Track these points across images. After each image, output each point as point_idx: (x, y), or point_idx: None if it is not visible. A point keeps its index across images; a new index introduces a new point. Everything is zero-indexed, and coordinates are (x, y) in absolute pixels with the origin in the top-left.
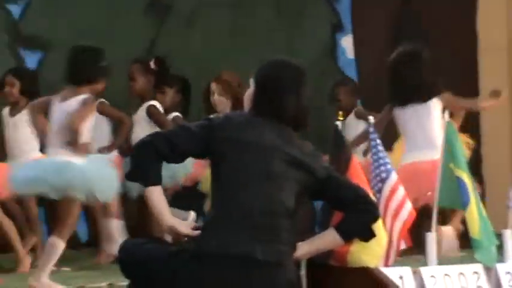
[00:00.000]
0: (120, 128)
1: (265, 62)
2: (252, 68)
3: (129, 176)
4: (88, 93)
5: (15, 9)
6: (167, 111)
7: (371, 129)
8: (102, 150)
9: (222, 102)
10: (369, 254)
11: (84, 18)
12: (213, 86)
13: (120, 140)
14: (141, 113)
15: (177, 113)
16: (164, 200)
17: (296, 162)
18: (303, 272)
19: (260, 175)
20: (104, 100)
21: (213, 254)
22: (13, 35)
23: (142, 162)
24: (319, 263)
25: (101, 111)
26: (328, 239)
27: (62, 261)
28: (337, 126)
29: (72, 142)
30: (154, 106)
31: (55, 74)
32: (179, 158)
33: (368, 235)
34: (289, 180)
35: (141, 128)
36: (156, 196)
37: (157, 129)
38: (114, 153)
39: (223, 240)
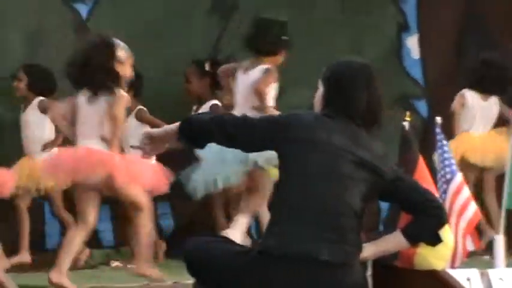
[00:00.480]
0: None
1: (334, 62)
2: (317, 68)
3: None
4: (270, 64)
5: (82, 9)
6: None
7: (438, 130)
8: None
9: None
10: (437, 256)
11: (149, 18)
12: None
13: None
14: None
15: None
16: None
17: (364, 164)
18: (369, 272)
19: (327, 175)
20: (142, 107)
21: (279, 254)
22: (80, 34)
23: (196, 133)
24: (385, 264)
25: (140, 119)
26: (394, 241)
27: (128, 258)
28: (404, 126)
29: (261, 107)
30: (216, 105)
31: None
32: (226, 145)
33: (435, 240)
34: (357, 181)
35: None
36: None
37: None
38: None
39: (289, 240)
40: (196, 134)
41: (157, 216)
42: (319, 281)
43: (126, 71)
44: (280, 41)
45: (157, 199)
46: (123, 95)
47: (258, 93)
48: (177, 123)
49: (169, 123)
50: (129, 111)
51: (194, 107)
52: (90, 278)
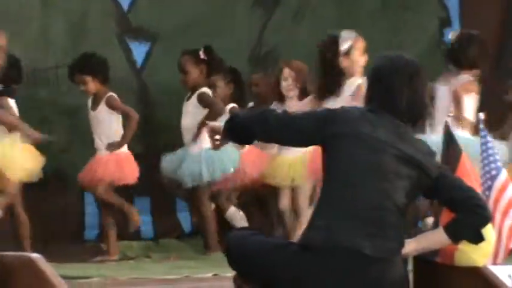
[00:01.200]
0: (128, 123)
1: (379, 56)
2: None
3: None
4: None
5: (124, 1)
6: (224, 103)
7: (481, 125)
8: (110, 147)
9: (294, 88)
10: (478, 252)
11: (192, 10)
12: (286, 72)
13: (129, 136)
14: (192, 101)
15: (233, 104)
16: None
17: (409, 160)
18: (410, 268)
19: (371, 171)
20: (112, 94)
21: (320, 248)
22: (122, 27)
23: (239, 130)
24: (426, 260)
25: (110, 106)
26: (436, 238)
27: (168, 251)
28: (447, 123)
29: (457, 116)
30: (204, 92)
31: (161, 65)
32: (268, 140)
33: (477, 238)
34: (401, 177)
35: (192, 116)
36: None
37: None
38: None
39: (331, 234)
40: (240, 130)
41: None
42: (361, 275)
43: None
44: (480, 55)
45: None
46: None
47: (456, 100)
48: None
49: None
50: (98, 98)
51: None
52: (130, 269)
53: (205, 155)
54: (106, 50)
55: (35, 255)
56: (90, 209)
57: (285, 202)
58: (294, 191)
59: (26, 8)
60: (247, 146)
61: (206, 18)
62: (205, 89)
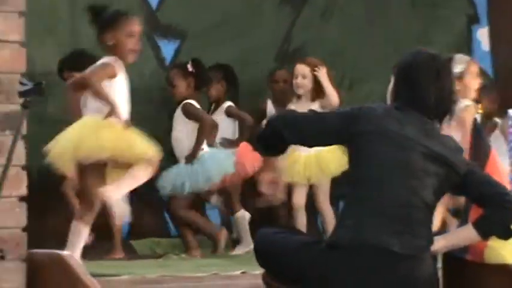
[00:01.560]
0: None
1: (405, 53)
2: (387, 61)
3: (258, 140)
4: None
5: None
6: (218, 102)
7: (510, 122)
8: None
9: (304, 85)
10: (508, 249)
11: (220, 8)
12: (299, 69)
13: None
14: (178, 112)
15: (229, 103)
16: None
17: (436, 157)
18: (439, 265)
19: (399, 168)
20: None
21: (347, 246)
22: (151, 25)
23: (267, 138)
24: (455, 257)
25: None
26: (465, 234)
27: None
28: (476, 120)
29: None
30: (189, 103)
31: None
32: (297, 142)
33: (507, 234)
34: (429, 174)
35: (180, 129)
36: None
37: (195, 126)
38: None
39: (358, 232)
40: (269, 139)
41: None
42: (389, 272)
43: None
44: None
45: None
46: None
47: None
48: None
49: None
50: None
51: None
52: (159, 267)
53: (190, 168)
54: None
55: (65, 253)
56: None
57: (299, 199)
58: (312, 189)
59: (54, 9)
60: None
61: (234, 16)
62: (190, 100)
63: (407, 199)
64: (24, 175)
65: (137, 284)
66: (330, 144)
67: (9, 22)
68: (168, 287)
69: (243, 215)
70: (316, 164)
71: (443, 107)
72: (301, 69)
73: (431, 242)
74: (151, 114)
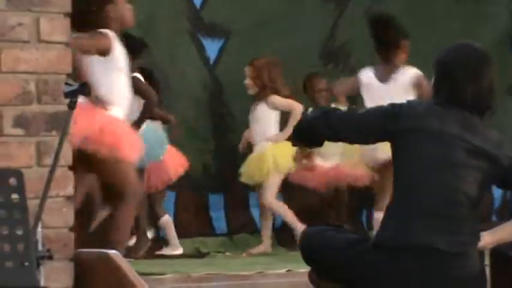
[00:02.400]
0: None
1: (445, 47)
2: (430, 58)
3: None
4: None
5: None
6: None
7: None
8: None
9: (250, 86)
10: None
11: (264, 6)
12: (246, 70)
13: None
14: None
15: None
16: None
17: (479, 151)
18: (486, 262)
19: (442, 165)
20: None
21: (392, 246)
22: (194, 24)
23: (305, 132)
24: (504, 254)
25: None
26: (510, 229)
27: (241, 246)
28: None
29: None
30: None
31: (235, 61)
32: (333, 138)
33: None
34: (472, 169)
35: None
36: None
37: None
38: None
39: (403, 231)
40: (307, 132)
41: None
42: (436, 271)
43: None
44: None
45: None
46: None
47: None
48: None
49: None
50: None
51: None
52: (204, 265)
53: None
54: (178, 47)
55: (112, 252)
56: (165, 206)
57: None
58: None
59: None
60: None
61: (278, 14)
62: (136, 74)
63: (450, 196)
64: (70, 175)
65: (183, 282)
66: (370, 142)
67: (55, 23)
68: (214, 285)
69: (167, 220)
70: (263, 162)
71: (482, 102)
72: (248, 70)
73: (477, 238)
74: (195, 112)
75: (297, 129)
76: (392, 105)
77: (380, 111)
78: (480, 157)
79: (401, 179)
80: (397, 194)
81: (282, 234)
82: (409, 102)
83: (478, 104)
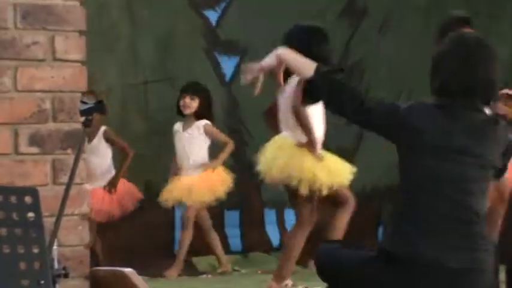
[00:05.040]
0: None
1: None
2: None
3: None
4: None
5: (212, 15)
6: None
7: None
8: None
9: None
10: None
11: (279, 23)
12: None
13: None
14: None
15: (206, 121)
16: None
17: (487, 163)
18: (502, 278)
19: (451, 183)
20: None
21: (404, 260)
22: (210, 41)
23: (333, 80)
24: None
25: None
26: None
27: (256, 264)
28: None
29: None
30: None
31: None
32: (354, 116)
33: None
34: (481, 182)
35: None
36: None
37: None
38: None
39: (415, 247)
40: (331, 86)
41: (284, 222)
42: (451, 287)
43: None
44: None
45: (284, 205)
46: None
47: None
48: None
49: None
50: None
51: None
52: (219, 283)
53: None
54: (194, 64)
55: (128, 270)
56: (180, 224)
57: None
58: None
59: (116, 26)
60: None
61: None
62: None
63: (461, 213)
64: (86, 193)
65: None
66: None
67: (70, 41)
68: None
69: None
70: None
71: (479, 94)
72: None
73: (490, 253)
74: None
75: (324, 75)
76: (402, 112)
77: (389, 110)
78: (487, 167)
79: (409, 192)
80: (405, 208)
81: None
82: (414, 110)
83: (473, 96)
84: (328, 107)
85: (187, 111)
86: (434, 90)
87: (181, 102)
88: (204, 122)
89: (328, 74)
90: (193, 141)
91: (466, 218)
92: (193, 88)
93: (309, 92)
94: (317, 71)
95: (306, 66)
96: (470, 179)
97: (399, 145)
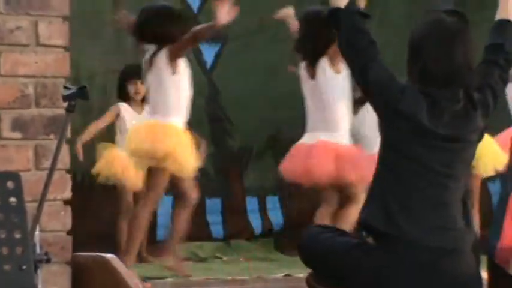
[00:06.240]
0: None
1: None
2: None
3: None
4: None
5: (194, 2)
6: None
7: None
8: None
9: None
10: None
11: (260, 12)
12: None
13: None
14: None
15: None
16: None
17: (471, 145)
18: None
19: (433, 163)
20: None
21: (390, 240)
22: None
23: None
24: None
25: None
26: None
27: (238, 252)
28: None
29: None
30: None
31: (231, 66)
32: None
33: None
34: (463, 164)
35: None
36: None
37: None
38: None
39: (400, 226)
40: (353, 26)
41: (266, 210)
42: (431, 268)
43: None
44: None
45: (266, 193)
46: None
47: None
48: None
49: None
50: None
51: None
52: (202, 270)
53: None
54: None
55: (109, 256)
56: (163, 209)
57: None
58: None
59: (98, 12)
60: None
61: (274, 20)
62: None
63: (443, 196)
64: (68, 179)
65: (181, 287)
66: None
67: (53, 27)
68: None
69: None
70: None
71: (458, 79)
72: None
73: (473, 235)
74: (192, 117)
75: (346, 13)
76: (397, 94)
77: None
78: (470, 149)
79: (391, 171)
80: (387, 185)
81: (280, 238)
82: (404, 97)
83: (452, 81)
84: (339, 42)
85: (139, 97)
86: (414, 75)
87: (132, 89)
88: None
89: (357, 14)
90: None
91: (448, 199)
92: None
93: (331, 20)
94: (349, 4)
95: None
96: (453, 163)
97: (386, 124)
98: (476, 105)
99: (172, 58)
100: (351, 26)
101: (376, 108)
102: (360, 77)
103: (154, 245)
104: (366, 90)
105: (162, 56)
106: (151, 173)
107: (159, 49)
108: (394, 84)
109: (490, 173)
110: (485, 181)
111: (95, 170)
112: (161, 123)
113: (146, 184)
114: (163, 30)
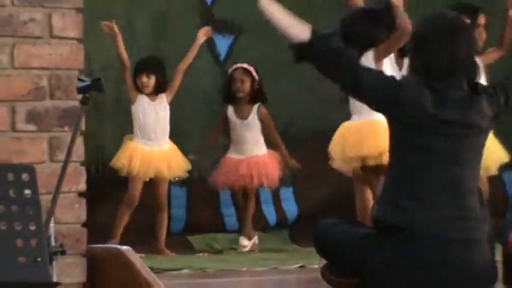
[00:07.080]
0: None
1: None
2: None
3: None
4: None
5: None
6: None
7: None
8: None
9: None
10: None
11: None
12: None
13: None
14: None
15: None
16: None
17: (480, 131)
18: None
19: (447, 156)
20: None
21: (407, 234)
22: (205, 20)
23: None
24: None
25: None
26: None
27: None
28: None
29: None
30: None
31: (244, 58)
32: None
33: None
34: (476, 152)
35: None
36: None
37: None
38: None
39: (415, 219)
40: (328, 49)
41: (281, 202)
42: (445, 258)
43: None
44: None
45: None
46: None
47: None
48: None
49: None
50: None
51: None
52: (217, 261)
53: None
54: (189, 43)
55: (124, 248)
56: (177, 202)
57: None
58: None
59: (111, 5)
60: None
61: (290, 10)
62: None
63: (456, 186)
64: (82, 171)
65: (196, 278)
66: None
67: (67, 19)
68: (227, 281)
69: None
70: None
71: (460, 72)
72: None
73: (488, 224)
74: (206, 108)
75: (321, 39)
76: (397, 88)
77: (386, 84)
78: (482, 135)
79: (405, 165)
80: (401, 178)
81: (295, 230)
82: (407, 86)
83: (455, 71)
84: (320, 71)
85: (147, 91)
86: (416, 69)
87: (138, 82)
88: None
89: (325, 38)
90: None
91: (462, 189)
92: (148, 65)
93: (301, 53)
94: (313, 34)
95: (300, 28)
96: (464, 151)
97: (391, 119)
98: (480, 92)
99: None
100: (329, 53)
101: (382, 111)
102: (354, 92)
103: (168, 238)
104: (367, 100)
105: None
106: None
107: None
108: (390, 79)
109: (494, 169)
110: (499, 171)
111: (113, 162)
112: None
113: None
114: None
